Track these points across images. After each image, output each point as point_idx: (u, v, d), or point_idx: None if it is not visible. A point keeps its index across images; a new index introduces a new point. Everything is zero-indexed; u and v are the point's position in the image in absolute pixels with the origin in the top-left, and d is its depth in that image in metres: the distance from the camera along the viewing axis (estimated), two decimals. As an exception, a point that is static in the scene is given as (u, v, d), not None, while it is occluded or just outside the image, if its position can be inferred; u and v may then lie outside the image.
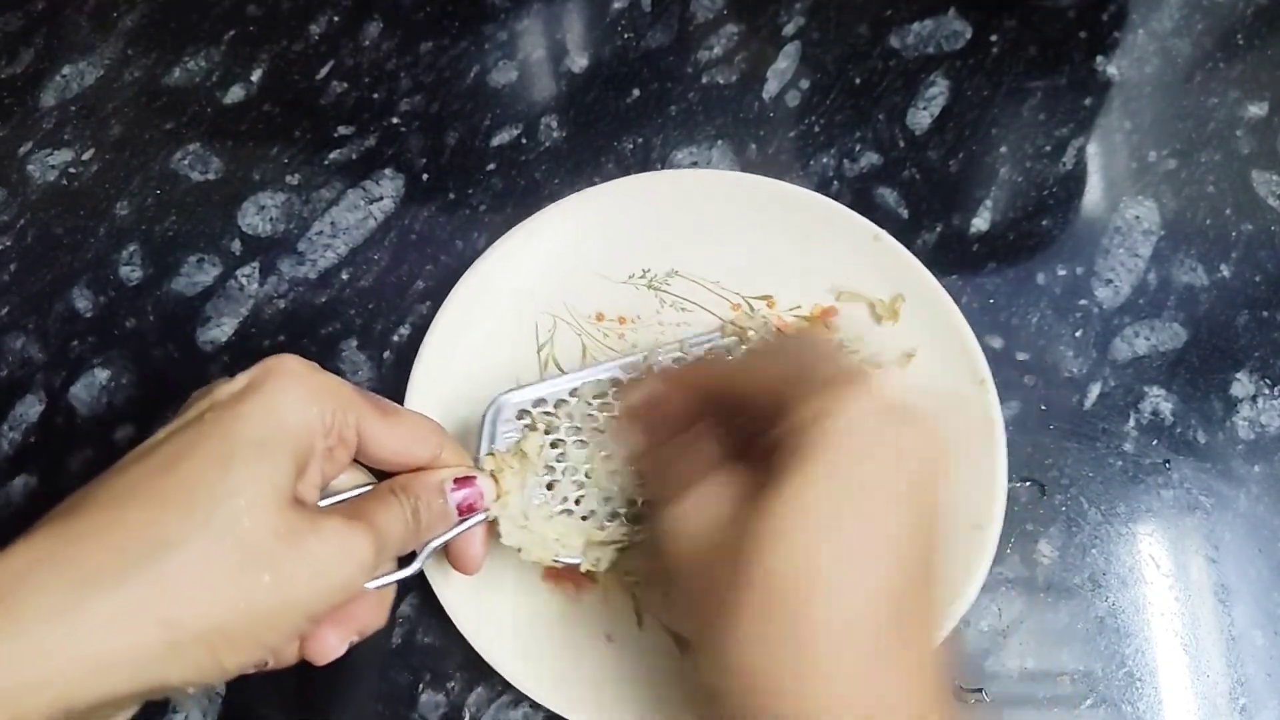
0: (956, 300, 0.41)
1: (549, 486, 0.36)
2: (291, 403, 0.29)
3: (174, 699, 0.38)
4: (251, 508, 0.27)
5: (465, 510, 0.34)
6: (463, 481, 0.34)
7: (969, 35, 0.52)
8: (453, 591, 0.37)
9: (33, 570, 0.25)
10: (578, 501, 0.36)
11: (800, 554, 0.25)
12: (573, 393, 0.38)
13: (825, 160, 0.49)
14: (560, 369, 0.42)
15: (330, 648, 0.31)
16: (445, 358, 0.41)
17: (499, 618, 0.37)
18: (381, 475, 0.33)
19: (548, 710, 0.38)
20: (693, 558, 0.28)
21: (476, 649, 0.36)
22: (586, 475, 0.36)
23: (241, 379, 0.29)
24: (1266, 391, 0.43)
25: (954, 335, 0.40)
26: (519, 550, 0.35)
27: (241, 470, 0.27)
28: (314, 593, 0.28)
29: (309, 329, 0.46)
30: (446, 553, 0.35)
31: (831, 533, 0.25)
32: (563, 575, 0.39)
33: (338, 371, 0.42)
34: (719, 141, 0.50)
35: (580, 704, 0.36)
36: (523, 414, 0.37)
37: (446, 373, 0.41)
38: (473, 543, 0.35)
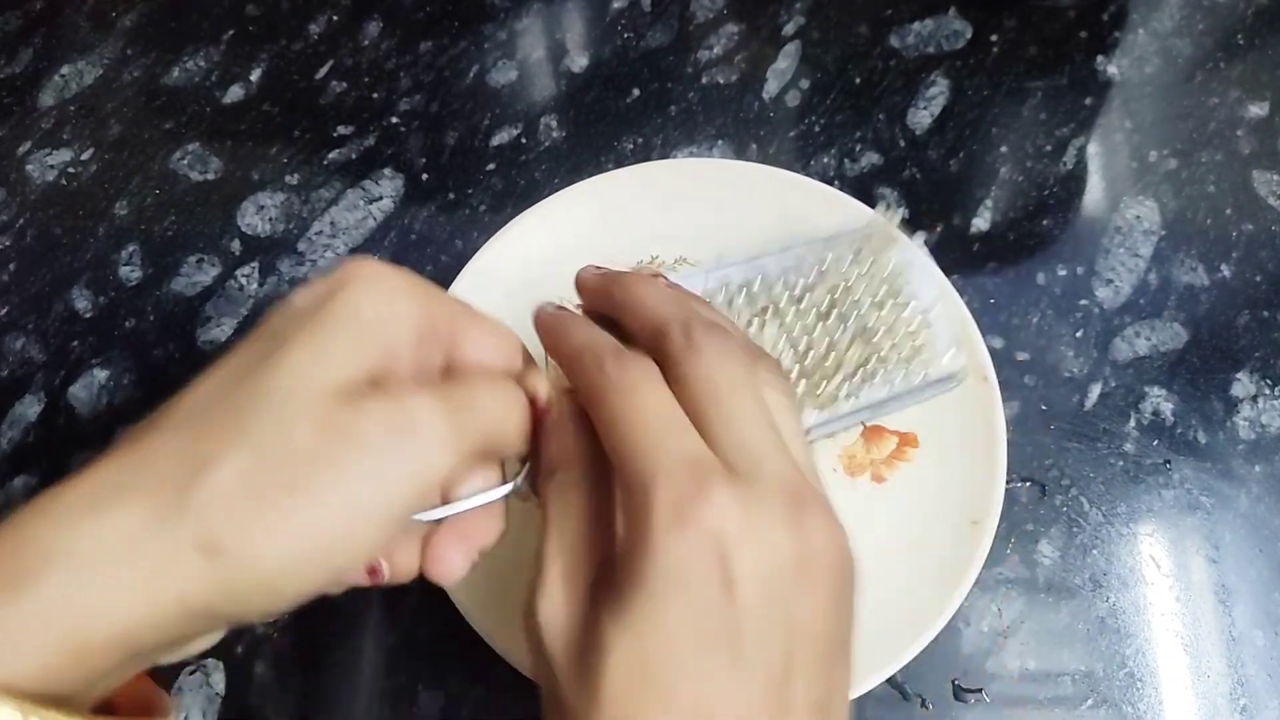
0: (957, 300, 0.41)
1: None
2: (368, 296, 0.26)
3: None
4: (296, 408, 0.23)
5: (535, 427, 0.29)
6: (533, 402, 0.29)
7: (969, 35, 0.52)
8: (462, 580, 0.37)
9: (81, 504, 0.23)
10: None
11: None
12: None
13: (825, 160, 0.49)
14: None
15: (453, 564, 0.28)
16: None
17: (496, 593, 0.37)
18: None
19: (548, 711, 0.38)
20: (554, 656, 0.25)
21: (470, 622, 0.36)
22: None
23: (322, 283, 0.26)
24: (1267, 391, 0.43)
25: (959, 330, 0.40)
26: None
27: (290, 359, 0.24)
28: (378, 489, 0.24)
29: (309, 329, 0.46)
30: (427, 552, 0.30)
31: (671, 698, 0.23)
32: None
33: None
34: (719, 141, 0.50)
35: None
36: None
37: None
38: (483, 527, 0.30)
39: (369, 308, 0.26)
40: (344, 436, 0.23)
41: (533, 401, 0.29)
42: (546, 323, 0.30)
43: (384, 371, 0.25)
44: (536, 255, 0.44)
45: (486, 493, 0.28)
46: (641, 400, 0.25)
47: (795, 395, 0.26)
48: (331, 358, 0.24)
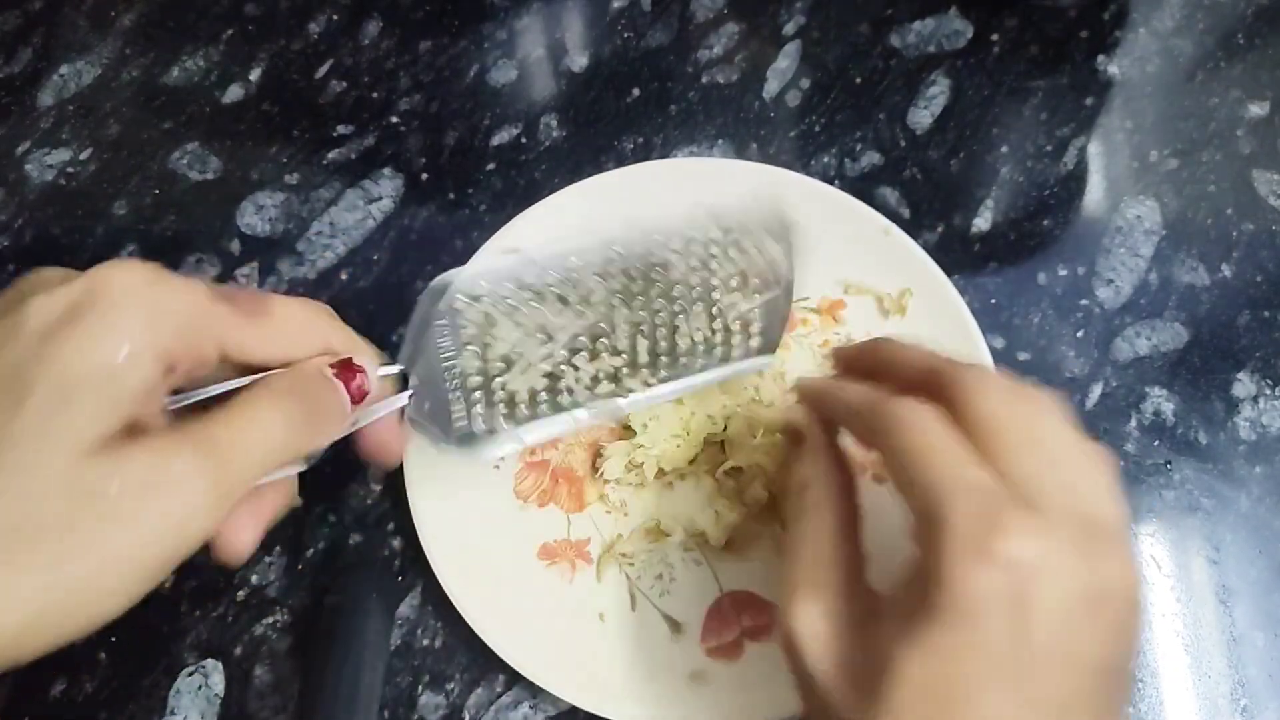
0: (958, 300, 0.41)
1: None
2: (121, 336, 0.23)
3: (172, 703, 0.38)
4: (42, 474, 0.22)
5: (359, 399, 0.29)
6: (346, 368, 0.29)
7: (970, 34, 0.52)
8: (448, 567, 0.37)
9: None
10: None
11: None
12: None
13: (826, 159, 0.49)
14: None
15: (242, 544, 0.27)
16: None
17: (493, 594, 0.38)
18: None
19: (547, 709, 0.38)
20: (822, 671, 0.26)
21: (469, 622, 0.37)
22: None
23: (61, 297, 0.24)
24: (1268, 392, 0.43)
25: (961, 331, 0.40)
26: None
27: (35, 432, 0.22)
28: (130, 550, 0.23)
29: (308, 329, 0.46)
30: (360, 443, 0.31)
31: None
32: (559, 553, 0.39)
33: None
34: (719, 141, 0.49)
35: (572, 681, 0.36)
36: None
37: None
38: (387, 429, 0.31)
39: (118, 344, 0.23)
40: (91, 498, 0.22)
41: (353, 373, 0.28)
42: (815, 387, 0.32)
43: (140, 411, 0.24)
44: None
45: (280, 470, 0.27)
46: (933, 435, 0.25)
47: (1077, 425, 0.27)
48: (79, 414, 0.23)
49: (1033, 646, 0.23)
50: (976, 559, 0.23)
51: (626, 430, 0.40)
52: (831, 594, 0.27)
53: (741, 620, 0.38)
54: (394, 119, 0.51)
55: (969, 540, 0.23)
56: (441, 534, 0.38)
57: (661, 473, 0.40)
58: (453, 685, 0.39)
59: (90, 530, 0.22)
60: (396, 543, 0.41)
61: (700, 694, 0.36)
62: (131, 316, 0.24)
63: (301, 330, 0.28)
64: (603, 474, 0.40)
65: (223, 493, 0.24)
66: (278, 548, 0.41)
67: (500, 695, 0.38)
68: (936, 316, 0.41)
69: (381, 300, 0.46)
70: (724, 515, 0.39)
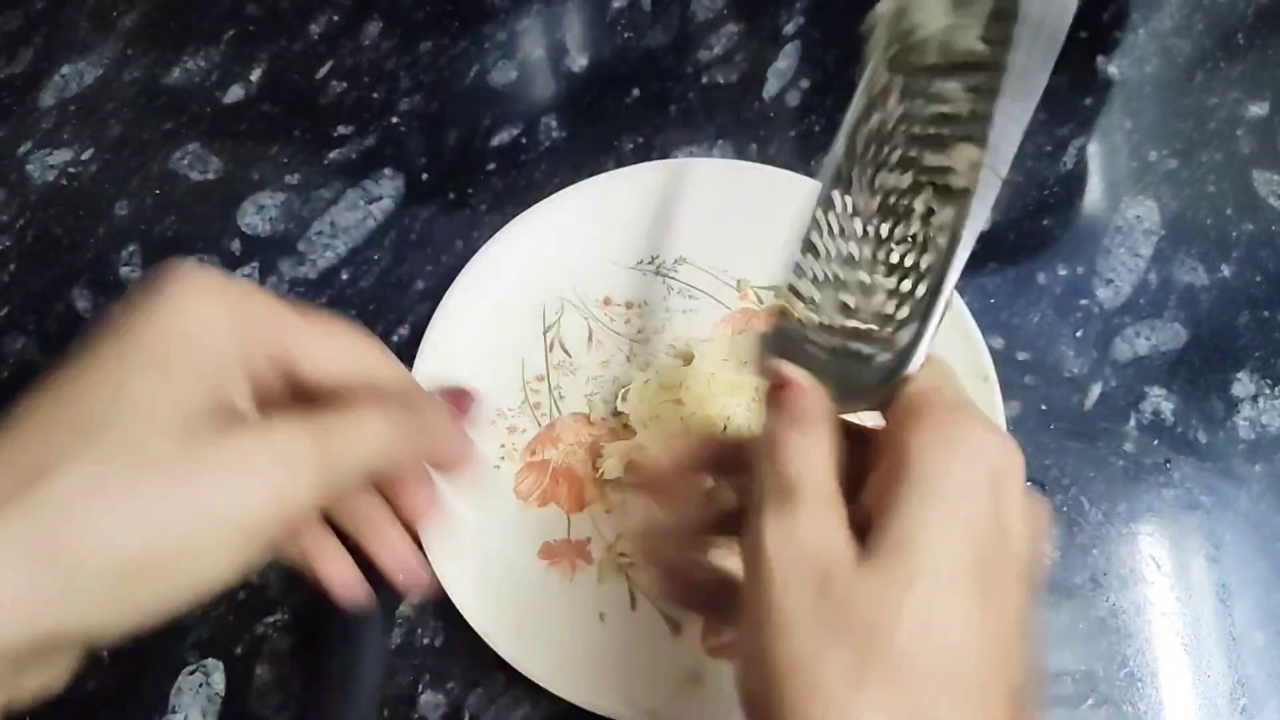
0: (957, 300, 0.41)
1: None
2: (196, 315, 0.25)
3: (173, 702, 0.38)
4: (147, 425, 0.23)
5: (467, 424, 0.32)
6: (459, 394, 0.31)
7: (969, 35, 0.52)
8: (449, 566, 0.37)
9: None
10: None
11: (933, 635, 0.23)
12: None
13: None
14: (566, 352, 0.43)
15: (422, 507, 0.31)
16: (454, 333, 0.42)
17: (495, 593, 0.38)
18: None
19: (547, 709, 0.38)
20: (791, 593, 0.24)
21: (470, 622, 0.37)
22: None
23: (141, 302, 0.26)
24: (1267, 391, 0.43)
25: (959, 330, 0.40)
26: None
27: (136, 386, 0.23)
28: (234, 506, 0.23)
29: (309, 329, 0.46)
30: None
31: (957, 609, 0.23)
32: (559, 552, 0.39)
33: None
34: (719, 141, 0.50)
35: (572, 681, 0.36)
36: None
37: (455, 346, 0.42)
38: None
39: (195, 326, 0.25)
40: (203, 453, 0.23)
41: (464, 399, 0.31)
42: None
43: (214, 381, 0.25)
44: (538, 256, 0.44)
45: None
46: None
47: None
48: (175, 388, 0.24)
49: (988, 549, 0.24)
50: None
51: (627, 430, 0.41)
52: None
53: None
54: (394, 119, 0.51)
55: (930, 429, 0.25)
56: (443, 534, 0.38)
57: None
58: (453, 685, 0.39)
59: (201, 478, 0.23)
60: (397, 542, 0.41)
61: (700, 693, 0.36)
62: (207, 297, 0.25)
63: (356, 343, 0.29)
64: (602, 474, 0.40)
65: (326, 476, 0.25)
66: (278, 547, 0.41)
67: (500, 695, 0.38)
68: None
69: (382, 300, 0.46)
70: None
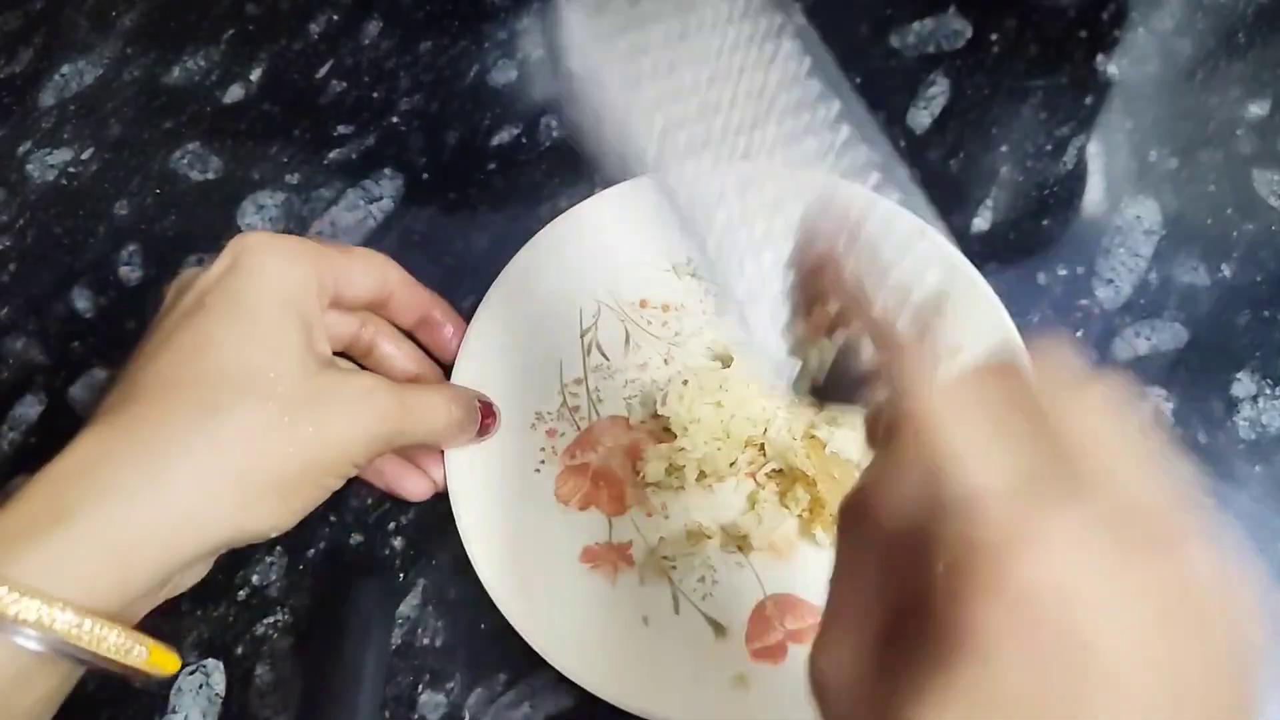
0: (957, 300, 0.40)
1: None
2: (279, 270, 0.32)
3: (173, 702, 0.38)
4: (282, 372, 0.30)
5: (484, 432, 0.39)
6: (486, 407, 0.39)
7: (969, 34, 0.52)
8: (492, 570, 0.37)
9: (109, 453, 0.28)
10: None
11: None
12: None
13: (826, 160, 0.49)
14: (604, 355, 0.43)
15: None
16: (492, 335, 0.42)
17: (536, 597, 0.38)
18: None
19: (547, 709, 0.38)
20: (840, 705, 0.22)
21: (514, 626, 0.37)
22: None
23: (221, 262, 0.32)
24: (1268, 391, 0.43)
25: (999, 333, 0.40)
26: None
27: (263, 339, 0.30)
28: (352, 438, 0.31)
29: (309, 329, 0.46)
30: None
31: None
32: (601, 556, 0.39)
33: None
34: (719, 141, 0.49)
35: (615, 684, 0.36)
36: None
37: (493, 352, 0.42)
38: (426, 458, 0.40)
39: (283, 279, 0.32)
40: (321, 393, 0.31)
41: (490, 412, 0.39)
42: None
43: (310, 322, 0.32)
44: (573, 261, 0.44)
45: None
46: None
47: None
48: (286, 341, 0.31)
49: (1075, 685, 0.18)
50: (999, 591, 0.18)
51: (667, 433, 0.40)
52: (867, 633, 0.22)
53: (785, 623, 0.38)
54: (394, 119, 0.51)
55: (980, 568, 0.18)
56: (485, 540, 0.38)
57: (702, 475, 0.40)
58: (453, 685, 0.39)
59: (329, 415, 0.31)
60: (397, 542, 0.41)
61: (745, 696, 0.36)
62: (279, 254, 0.32)
63: (379, 265, 0.37)
64: (643, 477, 0.40)
65: (397, 426, 0.33)
66: (278, 548, 0.41)
67: (500, 695, 0.38)
68: (974, 319, 0.40)
69: (382, 300, 0.46)
70: (766, 518, 0.39)
